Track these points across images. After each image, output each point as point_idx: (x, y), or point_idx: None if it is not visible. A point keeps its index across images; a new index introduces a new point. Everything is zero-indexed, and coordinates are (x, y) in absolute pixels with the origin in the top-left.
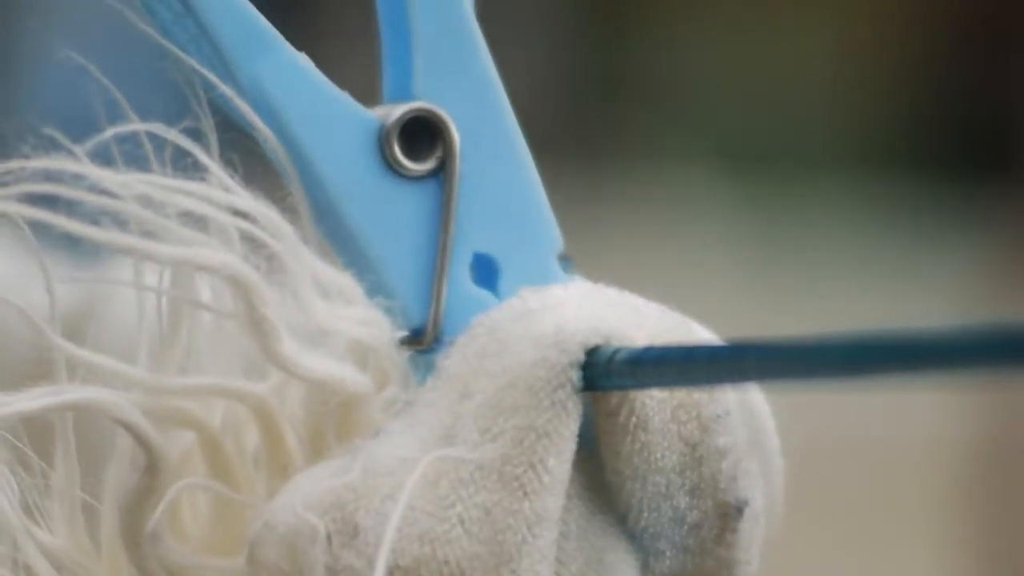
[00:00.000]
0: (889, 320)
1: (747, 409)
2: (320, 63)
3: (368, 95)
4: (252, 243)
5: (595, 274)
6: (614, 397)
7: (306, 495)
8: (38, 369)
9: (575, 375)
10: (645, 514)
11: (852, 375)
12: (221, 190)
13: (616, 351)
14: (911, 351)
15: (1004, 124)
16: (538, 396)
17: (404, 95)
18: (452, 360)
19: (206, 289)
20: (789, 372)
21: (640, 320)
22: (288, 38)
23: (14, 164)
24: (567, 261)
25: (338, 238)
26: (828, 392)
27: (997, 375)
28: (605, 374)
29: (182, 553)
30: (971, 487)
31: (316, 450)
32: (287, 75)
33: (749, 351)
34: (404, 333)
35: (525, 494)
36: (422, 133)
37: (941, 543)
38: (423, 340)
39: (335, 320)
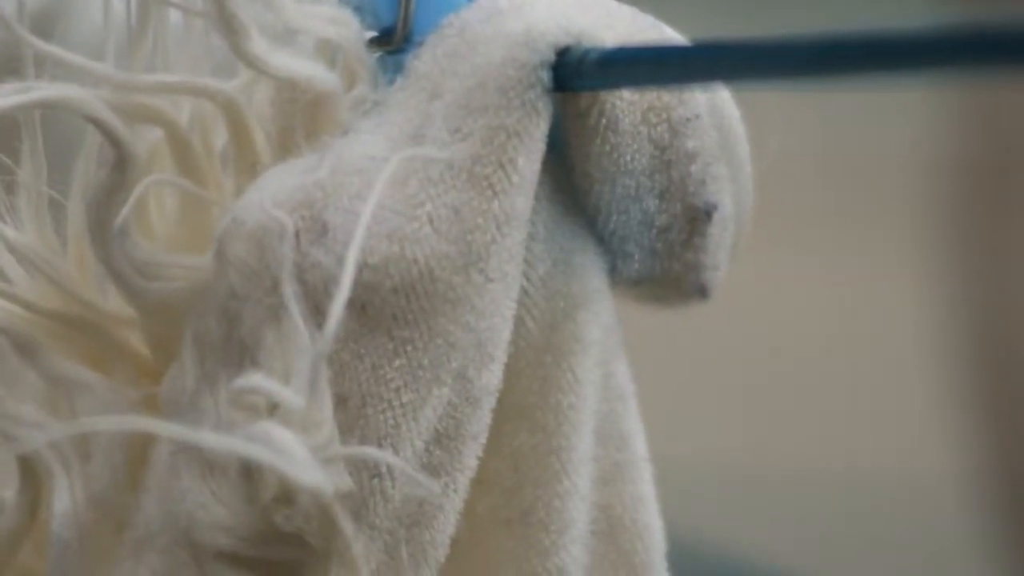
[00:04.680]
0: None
1: (717, 114)
2: None
3: None
4: None
5: None
6: (584, 98)
7: (274, 192)
8: (5, 65)
9: (545, 75)
10: (614, 216)
11: (826, 74)
12: None
13: (587, 51)
14: (884, 48)
15: None
16: (508, 96)
17: None
18: (422, 60)
19: None
20: (763, 72)
21: (611, 22)
22: None
23: None
24: None
25: None
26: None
27: (973, 76)
28: (576, 75)
29: (148, 250)
30: (952, 202)
31: (284, 148)
32: None
33: (722, 50)
34: (374, 34)
35: (494, 193)
36: None
37: (919, 258)
38: (393, 41)
39: (304, 19)
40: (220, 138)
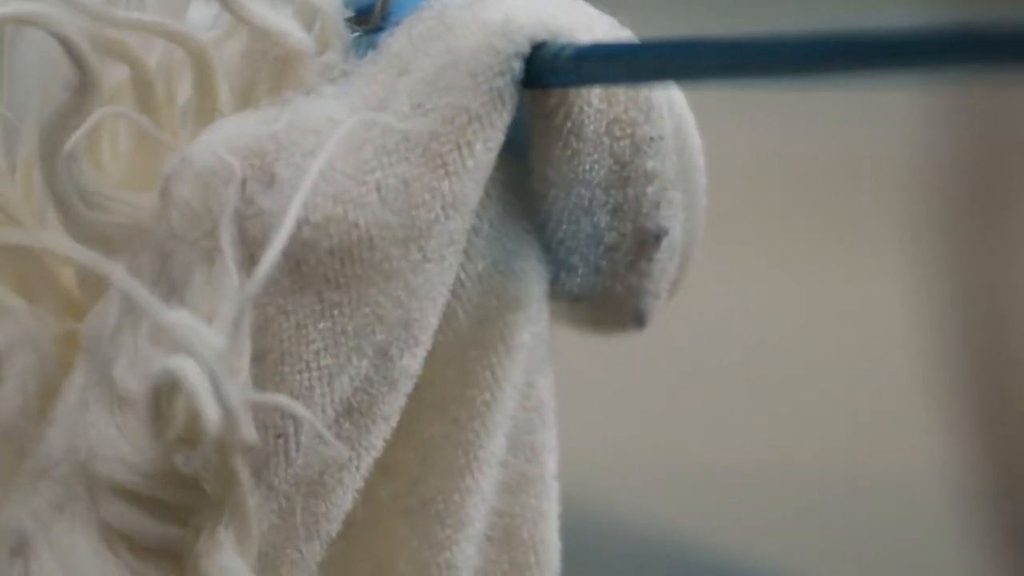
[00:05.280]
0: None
1: (681, 139)
2: None
3: None
4: None
5: None
6: (553, 98)
7: (228, 138)
8: None
9: (517, 66)
10: (564, 226)
11: (810, 74)
12: None
13: (563, 47)
14: (868, 48)
15: None
16: (477, 80)
17: None
18: (396, 38)
19: None
20: (743, 70)
21: (591, 25)
22: None
23: None
24: None
25: None
26: (794, 98)
27: (964, 76)
28: (550, 70)
29: (95, 179)
30: (945, 208)
31: (247, 101)
32: None
33: (701, 49)
34: (352, 13)
35: (447, 173)
36: None
37: (910, 259)
38: (371, 19)
39: None
40: (184, 90)
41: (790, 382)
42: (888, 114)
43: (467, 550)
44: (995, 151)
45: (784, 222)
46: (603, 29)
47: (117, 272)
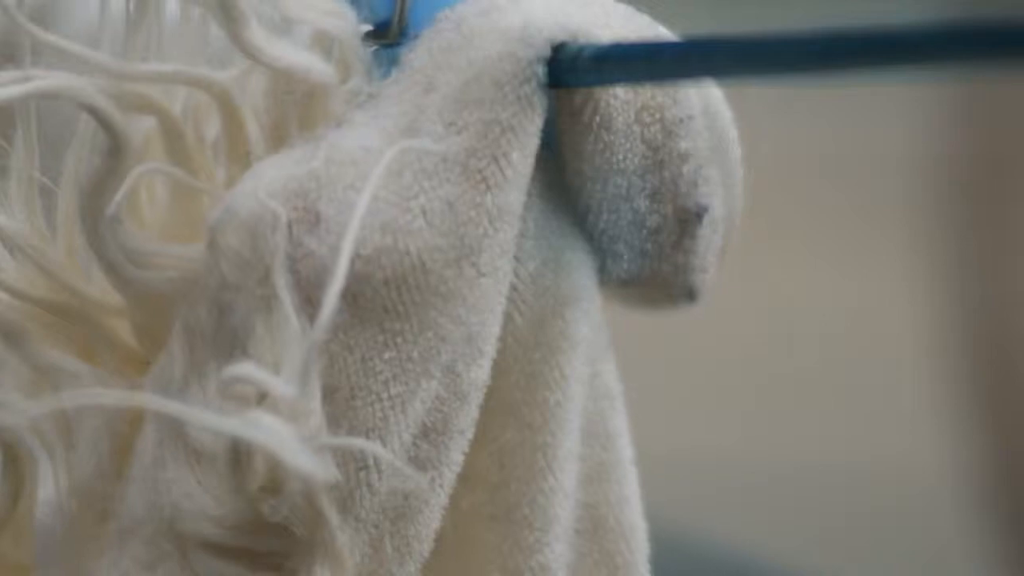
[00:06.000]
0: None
1: (711, 116)
2: None
3: None
4: None
5: None
6: (578, 95)
7: (268, 182)
8: (3, 52)
9: (541, 70)
10: (604, 215)
11: (822, 70)
12: None
13: (583, 48)
14: (881, 44)
15: None
16: (503, 90)
17: None
18: (416, 54)
19: None
20: (758, 68)
21: (607, 20)
22: None
23: None
24: None
25: None
26: (802, 95)
27: (970, 72)
28: (571, 71)
29: (140, 238)
30: (949, 204)
31: (278, 140)
32: None
33: (718, 46)
34: (369, 27)
35: (488, 187)
36: None
37: (917, 254)
38: (388, 34)
39: (302, 10)
40: (213, 129)
41: (797, 378)
42: (895, 110)
43: (558, 549)
44: (1000, 146)
45: (791, 218)
46: (619, 21)
47: (177, 329)
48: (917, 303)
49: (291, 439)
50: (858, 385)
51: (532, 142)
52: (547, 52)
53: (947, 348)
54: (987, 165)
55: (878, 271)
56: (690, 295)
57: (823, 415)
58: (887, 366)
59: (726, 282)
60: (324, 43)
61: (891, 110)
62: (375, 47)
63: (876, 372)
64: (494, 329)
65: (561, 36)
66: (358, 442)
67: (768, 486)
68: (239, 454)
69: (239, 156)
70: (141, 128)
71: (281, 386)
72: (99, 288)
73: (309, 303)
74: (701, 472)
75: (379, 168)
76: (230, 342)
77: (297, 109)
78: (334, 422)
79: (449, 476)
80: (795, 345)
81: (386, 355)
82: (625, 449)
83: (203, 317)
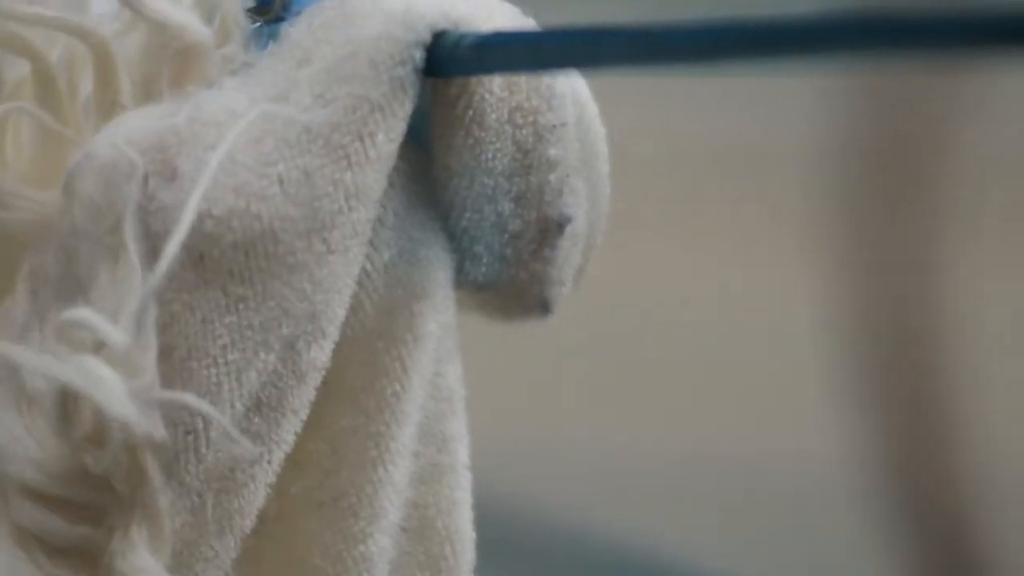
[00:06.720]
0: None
1: (583, 127)
2: None
3: None
4: None
5: None
6: (454, 87)
7: (129, 132)
8: None
9: (418, 55)
10: (468, 214)
11: (713, 60)
12: None
13: (463, 36)
14: (770, 33)
15: None
16: (377, 69)
17: None
18: (297, 28)
19: None
20: (646, 58)
21: (492, 13)
22: None
23: None
24: None
25: None
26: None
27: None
28: (450, 59)
29: (0, 178)
30: (843, 196)
31: (148, 95)
32: None
33: (605, 36)
34: (253, 3)
35: (349, 164)
36: None
37: (809, 246)
38: (271, 9)
39: None
40: (87, 84)
41: (697, 368)
42: (789, 100)
43: (381, 542)
44: (893, 135)
45: (687, 209)
46: (504, 18)
47: (23, 273)
48: (810, 294)
49: (120, 390)
50: (749, 377)
51: (399, 126)
52: (427, 37)
53: (839, 338)
54: (883, 152)
55: (770, 263)
56: (544, 307)
57: (722, 405)
58: (779, 357)
59: (625, 274)
60: (206, 8)
61: (785, 101)
62: (258, 23)
63: (767, 363)
64: (339, 311)
65: (443, 24)
66: (189, 398)
67: (661, 477)
68: (66, 399)
69: (108, 111)
70: (15, 71)
71: (116, 333)
72: None
73: (156, 256)
74: (602, 464)
75: (237, 128)
76: (73, 288)
77: (170, 66)
78: (168, 382)
79: (278, 455)
80: (685, 336)
81: (227, 319)
82: (460, 453)
83: (50, 262)
